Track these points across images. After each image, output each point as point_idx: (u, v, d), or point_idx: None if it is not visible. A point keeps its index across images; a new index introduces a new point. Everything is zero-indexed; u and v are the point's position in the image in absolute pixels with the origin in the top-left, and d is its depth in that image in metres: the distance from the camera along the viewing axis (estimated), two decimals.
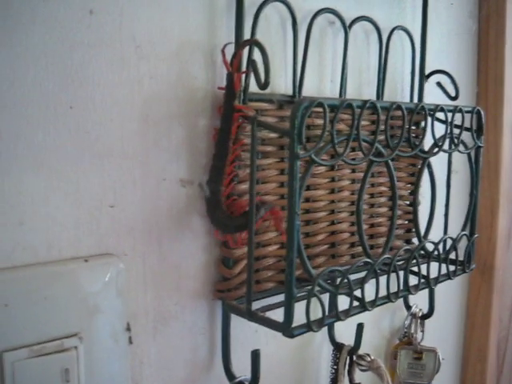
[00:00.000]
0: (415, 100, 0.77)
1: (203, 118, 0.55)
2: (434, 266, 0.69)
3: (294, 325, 0.51)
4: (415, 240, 0.72)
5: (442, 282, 0.70)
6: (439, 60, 0.81)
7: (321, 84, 0.66)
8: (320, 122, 0.62)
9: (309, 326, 0.51)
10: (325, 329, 0.70)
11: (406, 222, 0.79)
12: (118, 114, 0.49)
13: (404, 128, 0.59)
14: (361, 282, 0.57)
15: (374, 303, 0.58)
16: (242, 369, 0.58)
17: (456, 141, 0.68)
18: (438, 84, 0.75)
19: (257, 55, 0.51)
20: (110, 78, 0.48)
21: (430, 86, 0.76)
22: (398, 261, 0.64)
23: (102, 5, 0.47)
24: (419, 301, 0.82)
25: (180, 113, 0.53)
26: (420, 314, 0.80)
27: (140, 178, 0.51)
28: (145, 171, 0.51)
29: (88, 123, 0.47)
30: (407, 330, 0.80)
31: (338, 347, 0.69)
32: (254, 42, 0.51)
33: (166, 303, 0.54)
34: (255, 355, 0.56)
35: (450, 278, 0.71)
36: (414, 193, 0.71)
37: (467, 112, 0.69)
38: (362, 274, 0.58)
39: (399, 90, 0.77)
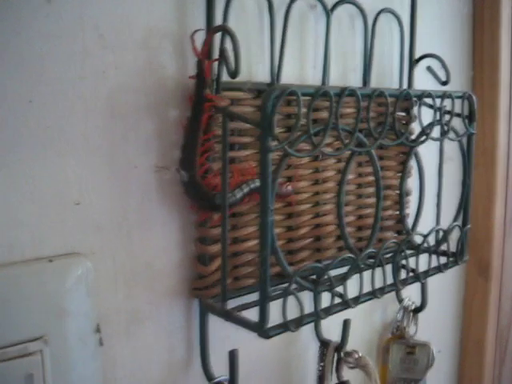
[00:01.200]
0: (405, 86, 0.74)
1: (174, 108, 0.52)
2: (426, 258, 0.67)
3: (272, 324, 0.49)
4: None
5: (432, 275, 0.68)
6: (430, 44, 0.78)
7: (302, 71, 0.64)
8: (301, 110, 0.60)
9: (285, 326, 0.49)
10: (311, 324, 0.68)
11: (397, 213, 0.76)
12: (81, 107, 0.47)
13: (388, 115, 0.56)
14: (343, 278, 0.55)
15: (357, 300, 0.56)
16: (224, 368, 0.56)
17: (446, 128, 0.65)
18: (429, 68, 0.72)
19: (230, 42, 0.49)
20: (72, 70, 0.46)
21: (422, 71, 0.73)
22: (386, 254, 0.62)
23: None
24: (413, 293, 0.79)
25: (149, 104, 0.51)
26: (412, 308, 0.78)
27: (107, 173, 0.49)
28: (112, 166, 0.49)
29: (49, 118, 0.45)
30: (399, 323, 0.78)
31: (324, 344, 0.67)
32: (223, 28, 0.48)
33: (139, 303, 0.52)
34: (233, 355, 0.54)
35: (440, 271, 0.69)
36: (401, 183, 0.69)
37: (458, 97, 0.66)
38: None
39: (388, 76, 0.74)
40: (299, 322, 0.50)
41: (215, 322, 0.56)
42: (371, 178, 0.71)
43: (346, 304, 0.55)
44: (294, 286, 0.49)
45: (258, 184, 0.54)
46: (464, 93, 0.67)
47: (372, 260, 0.58)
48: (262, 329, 0.48)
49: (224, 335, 0.59)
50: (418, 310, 0.78)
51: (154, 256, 0.53)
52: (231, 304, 0.54)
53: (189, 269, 0.55)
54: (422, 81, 0.74)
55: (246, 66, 0.57)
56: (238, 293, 0.57)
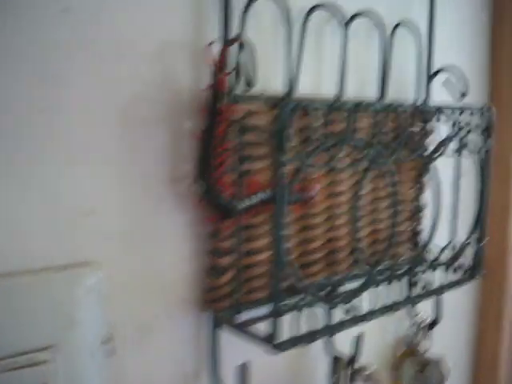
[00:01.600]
0: (422, 99, 0.73)
1: (189, 119, 0.52)
2: (442, 272, 0.66)
3: (285, 336, 0.49)
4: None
5: (447, 290, 0.67)
6: (448, 55, 0.77)
7: (319, 83, 0.63)
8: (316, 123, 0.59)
9: (298, 341, 0.49)
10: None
11: (412, 228, 0.76)
12: (94, 116, 0.47)
13: (405, 130, 0.56)
14: (356, 293, 0.54)
15: (371, 315, 0.55)
16: (234, 381, 0.56)
17: (463, 142, 0.65)
18: (445, 83, 0.71)
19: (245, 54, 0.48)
20: (86, 80, 0.46)
21: (439, 83, 0.73)
22: (398, 269, 0.61)
23: (78, 1, 0.45)
24: (426, 306, 0.78)
25: (164, 115, 0.51)
26: (426, 323, 0.77)
27: (120, 184, 0.49)
28: (125, 176, 0.49)
29: (62, 127, 0.45)
30: (412, 339, 0.77)
31: (336, 357, 0.66)
32: (239, 40, 0.48)
33: (150, 314, 0.52)
34: (243, 369, 0.53)
35: (456, 286, 0.68)
36: (415, 197, 0.68)
37: (476, 110, 0.66)
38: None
39: (405, 89, 0.73)
40: (312, 337, 0.49)
41: (225, 335, 0.56)
42: (385, 193, 0.70)
43: (360, 319, 0.54)
44: (307, 300, 0.49)
45: (270, 195, 0.54)
46: (483, 105, 0.66)
47: (385, 275, 0.57)
48: (273, 343, 0.47)
49: (234, 348, 0.58)
50: (431, 325, 0.77)
51: (166, 267, 0.52)
52: (243, 317, 0.53)
53: (201, 281, 0.55)
54: (439, 93, 0.73)
55: (262, 78, 0.57)
56: (251, 306, 0.56)
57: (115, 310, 0.49)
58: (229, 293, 0.55)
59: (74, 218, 0.47)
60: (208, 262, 0.55)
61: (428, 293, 0.63)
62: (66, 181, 0.46)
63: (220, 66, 0.49)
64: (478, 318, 0.96)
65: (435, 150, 0.65)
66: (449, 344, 0.86)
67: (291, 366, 0.66)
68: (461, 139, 0.66)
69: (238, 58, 0.49)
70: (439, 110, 0.64)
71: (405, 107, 0.57)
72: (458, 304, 0.91)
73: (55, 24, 0.44)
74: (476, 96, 0.85)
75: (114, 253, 0.49)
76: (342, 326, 0.52)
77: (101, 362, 0.48)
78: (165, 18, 0.50)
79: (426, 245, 0.68)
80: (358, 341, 0.64)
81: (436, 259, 0.65)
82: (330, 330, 0.51)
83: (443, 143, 0.62)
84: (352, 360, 0.65)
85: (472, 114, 0.67)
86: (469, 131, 0.67)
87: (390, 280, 0.59)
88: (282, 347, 0.48)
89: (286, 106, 0.44)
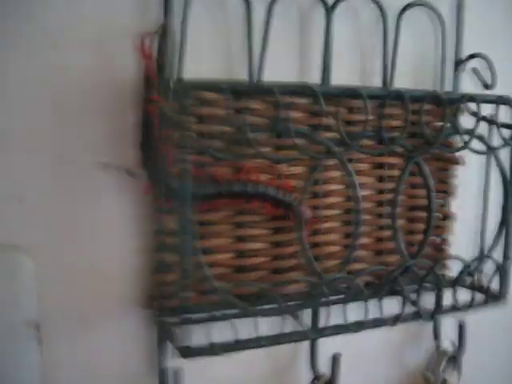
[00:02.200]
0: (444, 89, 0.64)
1: (131, 107, 0.50)
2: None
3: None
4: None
5: (459, 312, 0.57)
6: (476, 42, 0.66)
7: (304, 71, 0.58)
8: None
9: (210, 350, 0.45)
10: (307, 354, 0.61)
11: (437, 239, 0.66)
12: (26, 105, 0.47)
13: (408, 120, 0.48)
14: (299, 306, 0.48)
15: (317, 332, 0.49)
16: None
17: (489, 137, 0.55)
18: (472, 72, 0.61)
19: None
20: (18, 69, 0.47)
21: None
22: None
23: None
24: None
25: (103, 102, 0.50)
26: (449, 351, 0.66)
27: (53, 171, 0.49)
28: (59, 164, 0.49)
29: None
30: (433, 368, 0.66)
31: (316, 377, 0.59)
32: (163, 29, 0.46)
33: (87, 306, 0.51)
34: (175, 375, 0.50)
35: (472, 309, 0.58)
36: (429, 203, 0.59)
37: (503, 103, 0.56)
38: None
39: (428, 79, 0.65)
40: (228, 348, 0.45)
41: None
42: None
43: (304, 335, 0.48)
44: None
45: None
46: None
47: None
48: (177, 346, 0.44)
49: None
50: (454, 355, 0.66)
51: (105, 260, 0.51)
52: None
53: (146, 278, 0.53)
54: (466, 83, 0.63)
55: (226, 66, 0.54)
56: (204, 308, 0.53)
57: (47, 297, 0.49)
58: (174, 292, 0.52)
59: (5, 204, 0.48)
60: (154, 257, 0.52)
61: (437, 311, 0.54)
62: None
63: (146, 53, 0.47)
64: None
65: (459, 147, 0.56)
66: (479, 375, 0.72)
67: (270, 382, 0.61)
68: (488, 133, 0.57)
69: (161, 47, 0.46)
70: (463, 100, 0.56)
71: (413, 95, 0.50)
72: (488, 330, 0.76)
73: None
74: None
75: (47, 240, 0.49)
76: (279, 338, 0.46)
77: (30, 345, 0.49)
78: (104, 5, 0.49)
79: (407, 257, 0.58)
80: (335, 362, 0.57)
81: (458, 280, 0.56)
82: (258, 341, 0.46)
83: (468, 138, 0.53)
84: (330, 381, 0.58)
85: (499, 105, 0.57)
86: (496, 125, 0.57)
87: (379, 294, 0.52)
88: (185, 352, 0.44)
89: (179, 92, 0.41)
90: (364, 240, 0.61)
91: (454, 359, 0.65)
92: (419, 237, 0.64)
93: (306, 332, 0.48)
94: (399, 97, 0.53)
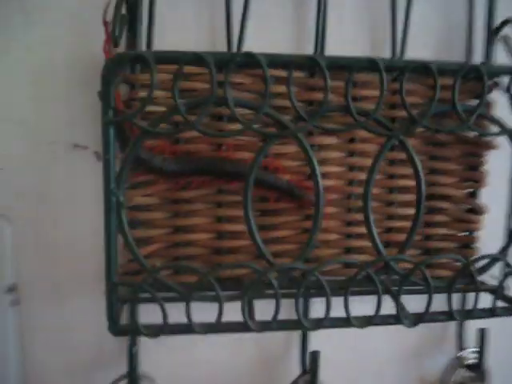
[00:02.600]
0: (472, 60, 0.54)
1: None
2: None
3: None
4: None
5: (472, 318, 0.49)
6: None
7: (299, 42, 0.54)
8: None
9: (136, 329, 0.43)
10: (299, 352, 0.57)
11: (463, 235, 0.57)
12: (5, 81, 0.50)
13: (384, 91, 0.42)
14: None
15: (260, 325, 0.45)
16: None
17: None
18: (504, 40, 0.51)
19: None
20: None
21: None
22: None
23: None
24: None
25: (79, 79, 0.50)
26: (470, 360, 0.57)
27: (30, 145, 0.51)
28: (35, 138, 0.50)
29: None
30: (448, 378, 0.58)
31: (304, 372, 0.55)
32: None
33: (63, 276, 0.52)
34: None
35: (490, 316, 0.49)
36: (418, 188, 0.51)
37: None
38: None
39: (456, 50, 0.56)
40: (158, 330, 0.43)
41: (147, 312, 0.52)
42: (409, 183, 0.55)
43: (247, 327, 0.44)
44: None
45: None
46: None
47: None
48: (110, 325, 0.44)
49: None
50: (474, 366, 0.57)
51: (80, 234, 0.52)
52: None
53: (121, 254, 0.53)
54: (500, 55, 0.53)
55: (210, 34, 0.52)
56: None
57: (25, 263, 0.52)
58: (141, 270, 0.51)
59: None
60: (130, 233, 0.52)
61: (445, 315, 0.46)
62: None
63: (106, 28, 0.46)
64: None
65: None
66: None
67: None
68: None
69: (114, 17, 0.45)
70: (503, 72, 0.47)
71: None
72: None
73: None
74: None
75: (24, 210, 0.51)
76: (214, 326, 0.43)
77: (3, 309, 0.52)
78: None
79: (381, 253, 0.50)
80: (314, 359, 0.52)
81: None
82: (192, 327, 0.43)
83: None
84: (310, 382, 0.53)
85: None
86: None
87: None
88: (116, 329, 0.43)
89: (114, 59, 0.40)
90: (362, 229, 0.55)
91: (479, 369, 0.56)
92: (441, 230, 0.56)
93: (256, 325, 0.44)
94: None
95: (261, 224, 0.53)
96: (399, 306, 0.46)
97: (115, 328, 0.44)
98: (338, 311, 0.44)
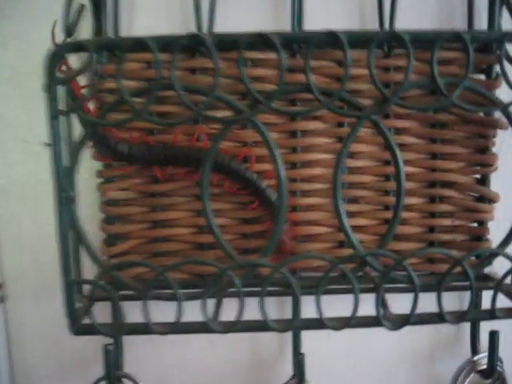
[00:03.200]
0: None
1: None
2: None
3: None
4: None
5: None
6: None
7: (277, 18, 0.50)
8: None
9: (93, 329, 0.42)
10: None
11: (473, 225, 0.51)
12: None
13: (348, 66, 0.38)
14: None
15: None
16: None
17: None
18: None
19: None
20: None
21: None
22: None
23: None
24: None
25: None
26: (482, 364, 0.51)
27: (9, 141, 0.51)
28: (15, 134, 0.51)
29: None
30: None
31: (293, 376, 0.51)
32: None
33: (47, 272, 0.52)
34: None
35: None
36: (397, 173, 0.46)
37: None
38: None
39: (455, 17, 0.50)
40: (117, 330, 0.41)
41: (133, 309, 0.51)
42: (408, 169, 0.50)
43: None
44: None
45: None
46: None
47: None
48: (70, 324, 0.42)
49: None
50: (486, 372, 0.50)
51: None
52: None
53: (98, 249, 0.52)
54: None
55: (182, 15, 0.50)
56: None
57: (9, 261, 0.52)
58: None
59: None
60: (102, 229, 0.51)
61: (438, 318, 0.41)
62: None
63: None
64: None
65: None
66: None
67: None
68: None
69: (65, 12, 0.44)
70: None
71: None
72: None
73: None
74: None
75: (7, 207, 0.52)
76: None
77: None
78: None
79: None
80: (299, 360, 0.48)
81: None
82: (149, 327, 0.41)
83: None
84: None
85: None
86: None
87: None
88: (75, 329, 0.42)
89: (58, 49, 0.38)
90: (361, 221, 0.51)
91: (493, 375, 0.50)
92: (443, 221, 0.51)
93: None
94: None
95: (242, 218, 0.50)
96: (379, 306, 0.41)
97: (74, 327, 0.42)
98: (328, 312, 0.41)
